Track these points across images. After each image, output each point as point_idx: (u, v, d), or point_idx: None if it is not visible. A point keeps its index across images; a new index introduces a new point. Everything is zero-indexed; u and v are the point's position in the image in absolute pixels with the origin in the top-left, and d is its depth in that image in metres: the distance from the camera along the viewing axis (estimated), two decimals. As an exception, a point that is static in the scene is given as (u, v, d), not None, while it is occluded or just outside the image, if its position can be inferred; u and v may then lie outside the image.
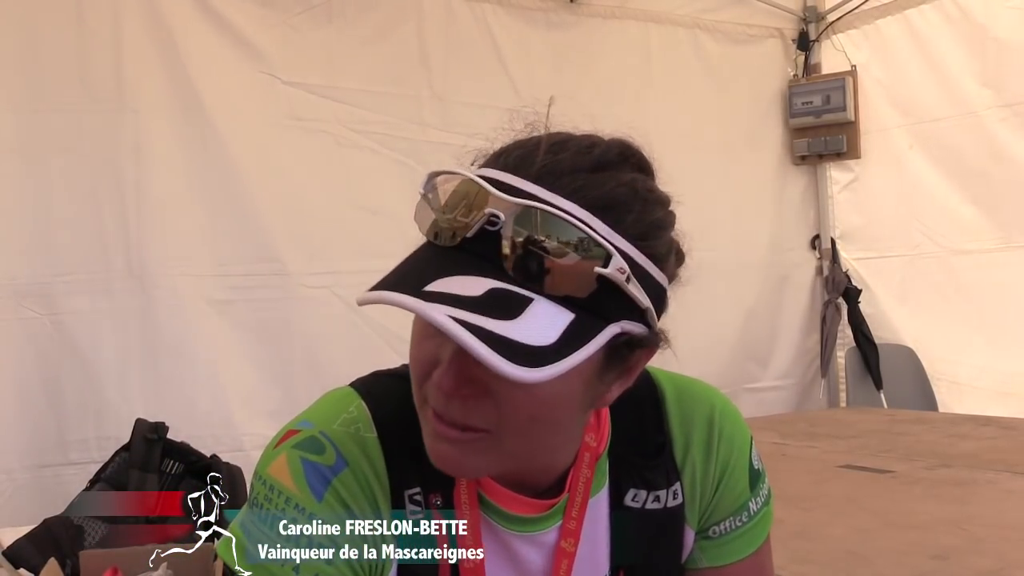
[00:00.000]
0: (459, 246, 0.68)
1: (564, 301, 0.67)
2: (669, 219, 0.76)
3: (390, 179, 3.11)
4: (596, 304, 0.68)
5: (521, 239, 0.66)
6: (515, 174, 0.70)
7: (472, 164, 0.76)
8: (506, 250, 0.66)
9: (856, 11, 3.94)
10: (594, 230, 0.67)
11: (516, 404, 0.69)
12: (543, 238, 0.66)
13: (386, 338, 2.96)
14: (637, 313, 0.70)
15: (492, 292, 0.65)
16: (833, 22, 4.06)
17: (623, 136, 0.77)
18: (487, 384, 0.68)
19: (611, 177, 0.71)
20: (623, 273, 0.68)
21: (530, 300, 0.66)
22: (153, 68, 2.81)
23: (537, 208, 0.66)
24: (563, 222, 0.67)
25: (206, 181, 2.88)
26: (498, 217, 0.67)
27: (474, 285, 0.65)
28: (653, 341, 0.73)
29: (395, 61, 3.21)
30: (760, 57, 4.06)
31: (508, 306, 0.65)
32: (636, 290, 0.69)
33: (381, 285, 0.67)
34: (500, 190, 0.68)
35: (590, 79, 3.53)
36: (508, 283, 0.66)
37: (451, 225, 0.69)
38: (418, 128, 3.21)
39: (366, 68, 3.15)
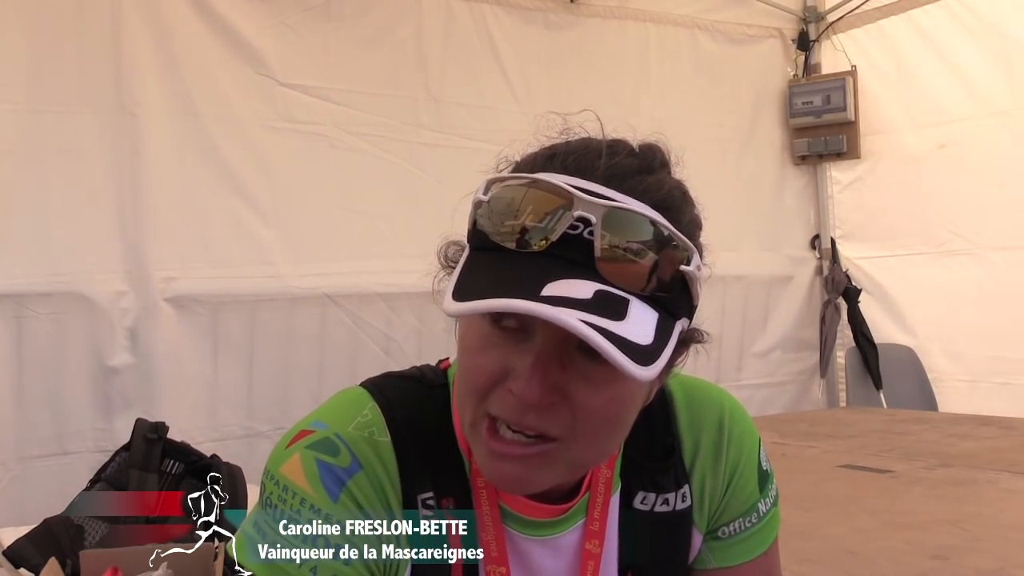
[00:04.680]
0: (546, 251, 0.67)
1: (650, 300, 0.68)
2: (701, 219, 0.78)
3: (385, 181, 3.12)
4: (671, 301, 0.69)
5: (612, 241, 0.66)
6: (582, 177, 0.69)
7: (500, 170, 0.76)
8: (598, 252, 0.66)
9: (857, 11, 3.94)
10: (674, 230, 0.69)
11: (594, 407, 0.69)
12: (631, 239, 0.67)
13: (376, 339, 2.97)
14: (691, 310, 0.72)
15: (598, 293, 0.65)
16: (833, 22, 4.06)
17: (653, 138, 0.78)
18: (565, 390, 0.68)
19: (664, 179, 0.73)
20: (699, 270, 0.70)
21: (627, 300, 0.66)
22: (152, 69, 2.81)
23: (623, 209, 0.67)
24: (647, 222, 0.67)
25: (203, 182, 2.88)
26: (588, 220, 0.66)
27: (581, 288, 0.64)
28: (697, 339, 0.75)
29: (392, 62, 3.21)
30: (760, 57, 4.07)
31: (615, 307, 0.65)
32: (697, 287, 0.71)
33: (479, 292, 0.64)
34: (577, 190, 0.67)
35: (589, 80, 3.53)
36: (604, 284, 0.66)
37: (539, 230, 0.67)
38: (413, 130, 3.21)
39: (363, 69, 3.15)
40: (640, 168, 0.72)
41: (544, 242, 0.67)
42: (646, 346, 0.64)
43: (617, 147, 0.73)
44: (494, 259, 0.68)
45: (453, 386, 0.81)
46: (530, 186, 0.68)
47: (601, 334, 0.61)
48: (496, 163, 0.78)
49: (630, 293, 0.66)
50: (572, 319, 0.60)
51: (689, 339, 0.74)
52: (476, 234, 0.71)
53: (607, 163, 0.70)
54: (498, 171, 0.77)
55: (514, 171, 0.75)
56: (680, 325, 0.70)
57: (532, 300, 0.61)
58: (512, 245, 0.68)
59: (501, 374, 0.68)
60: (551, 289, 0.63)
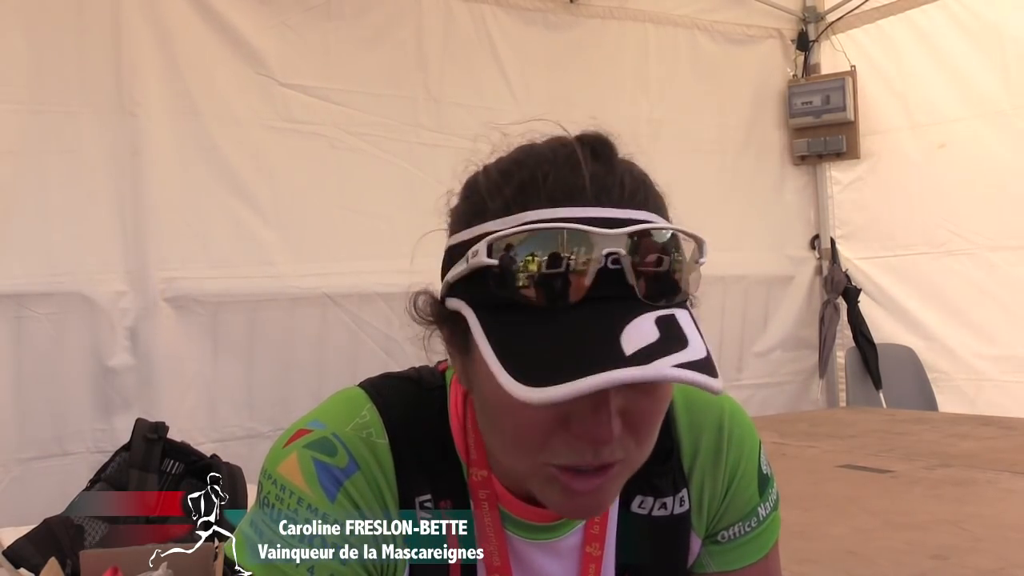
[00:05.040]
0: (584, 298, 0.65)
1: (683, 304, 0.68)
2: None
3: (385, 181, 3.12)
4: (694, 291, 0.70)
5: (640, 265, 0.66)
6: (574, 204, 0.67)
7: (451, 206, 0.74)
8: (632, 281, 0.65)
9: (856, 11, 3.94)
10: (679, 229, 0.69)
11: (650, 415, 0.69)
12: (655, 255, 0.66)
13: (376, 339, 2.97)
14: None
15: (659, 325, 0.64)
16: (833, 22, 4.06)
17: (594, 128, 0.75)
18: (625, 411, 0.67)
19: (631, 169, 0.72)
20: (706, 251, 0.70)
21: (673, 316, 0.65)
22: (152, 69, 2.81)
23: (636, 232, 0.66)
24: (660, 233, 0.67)
25: (203, 183, 2.88)
26: (615, 254, 0.65)
27: (645, 328, 0.63)
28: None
29: (392, 62, 3.22)
30: (759, 57, 4.07)
31: (675, 332, 0.64)
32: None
33: (553, 368, 0.61)
34: (584, 224, 0.65)
35: (589, 80, 3.53)
36: (652, 310, 0.65)
37: (572, 281, 0.65)
38: (412, 130, 3.22)
39: (363, 69, 3.16)
40: (619, 171, 0.70)
41: (580, 293, 0.65)
42: (707, 358, 0.63)
43: (582, 152, 0.70)
44: (529, 322, 0.65)
45: (451, 388, 0.81)
46: (540, 237, 0.66)
47: (690, 369, 0.60)
48: (447, 198, 0.75)
49: (671, 307, 0.66)
50: (670, 371, 0.60)
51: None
52: (482, 297, 0.68)
53: (588, 177, 0.68)
54: (450, 206, 0.75)
55: (476, 211, 0.71)
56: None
57: (625, 365, 0.60)
58: (546, 304, 0.65)
59: (559, 422, 0.66)
60: (628, 343, 0.61)
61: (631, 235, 0.65)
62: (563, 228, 0.65)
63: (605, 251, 0.64)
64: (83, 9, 2.72)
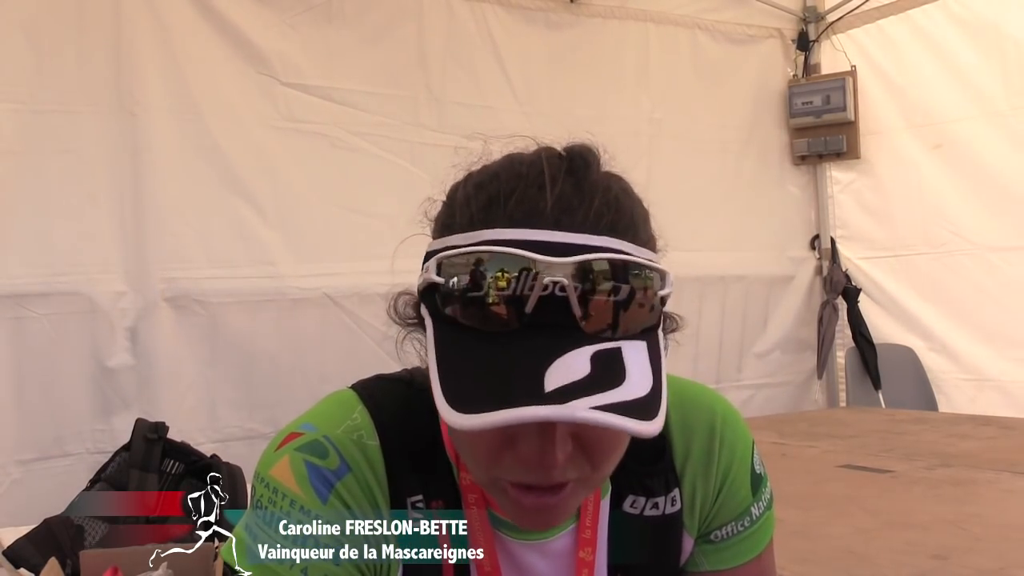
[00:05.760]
0: (524, 323, 0.65)
1: (638, 335, 0.67)
2: (645, 206, 0.76)
3: (385, 181, 3.11)
4: (655, 323, 0.70)
5: (586, 294, 0.65)
6: (531, 226, 0.66)
7: (429, 216, 0.74)
8: (577, 311, 0.64)
9: (857, 11, 3.94)
10: (642, 258, 0.68)
11: (604, 444, 0.69)
12: (605, 286, 0.65)
13: (377, 339, 2.96)
14: (661, 316, 0.72)
15: (593, 360, 0.63)
16: (833, 22, 4.06)
17: (584, 140, 0.74)
18: (577, 436, 0.67)
19: (606, 191, 0.70)
20: (671, 286, 0.69)
21: (618, 350, 0.65)
22: (152, 69, 2.81)
23: (589, 260, 0.65)
24: (616, 264, 0.66)
25: (203, 182, 2.87)
26: (560, 283, 0.64)
27: (576, 363, 0.63)
28: (674, 328, 0.76)
29: (394, 61, 3.21)
30: (760, 57, 4.06)
31: (611, 367, 0.64)
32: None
33: (480, 400, 0.61)
34: (536, 251, 0.64)
35: (590, 79, 3.53)
36: (592, 343, 0.64)
37: (511, 307, 0.65)
38: (414, 130, 3.21)
39: (364, 69, 3.15)
40: (589, 190, 0.69)
41: (518, 320, 0.65)
42: (647, 396, 0.63)
43: (551, 170, 0.69)
44: (471, 343, 0.66)
45: None
46: (487, 260, 0.65)
47: (610, 411, 0.60)
48: (424, 208, 0.76)
49: (619, 338, 0.66)
50: (582, 412, 0.59)
51: (668, 332, 0.74)
52: (437, 311, 0.68)
53: (551, 199, 0.67)
54: (428, 217, 0.76)
55: (447, 222, 0.72)
56: (662, 334, 0.70)
57: (540, 403, 0.60)
58: (485, 327, 0.65)
59: (505, 441, 0.67)
60: (552, 379, 0.61)
61: (579, 264, 0.64)
62: (507, 252, 0.64)
63: (548, 280, 0.64)
64: (84, 8, 2.72)
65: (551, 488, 0.68)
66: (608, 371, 0.63)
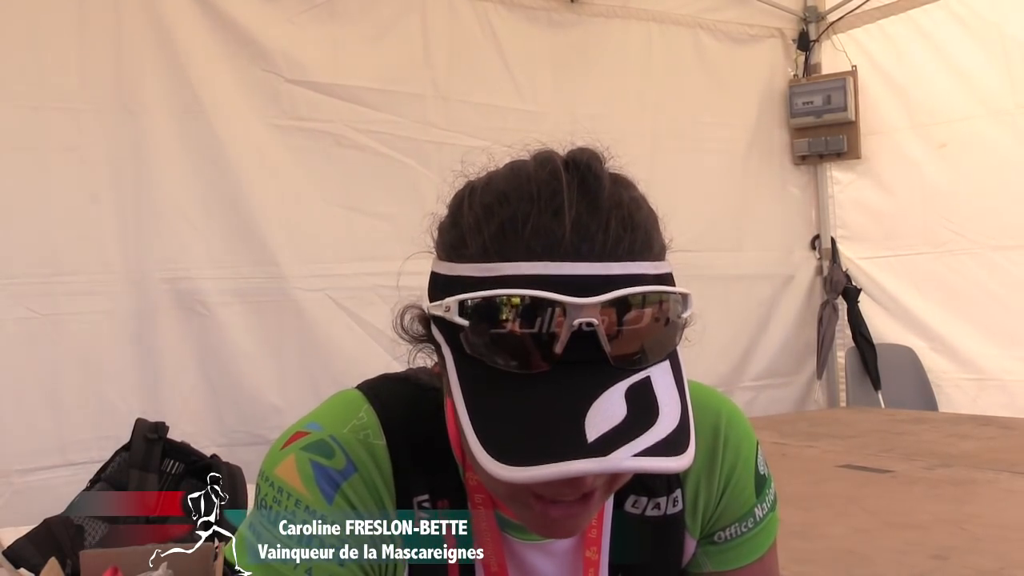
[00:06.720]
0: (556, 362, 0.65)
1: (665, 357, 0.69)
2: (653, 208, 0.75)
3: (391, 180, 3.11)
4: (676, 343, 0.70)
5: (614, 327, 0.65)
6: (552, 258, 0.65)
7: (435, 237, 0.73)
8: (607, 347, 0.65)
9: (857, 11, 3.94)
10: (662, 281, 0.68)
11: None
12: (631, 317, 0.65)
13: (380, 340, 2.95)
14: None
15: (628, 397, 0.64)
16: (834, 22, 4.06)
17: (584, 144, 0.73)
18: None
19: (619, 207, 0.69)
20: (691, 307, 0.70)
21: (647, 380, 0.66)
22: (154, 67, 2.81)
23: (615, 297, 0.64)
24: (640, 295, 0.66)
25: (206, 181, 2.87)
26: (591, 324, 0.64)
27: (614, 405, 0.63)
28: (688, 324, 0.75)
29: (398, 59, 3.20)
30: (761, 57, 4.06)
31: (645, 403, 0.64)
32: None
33: (518, 449, 0.61)
34: (560, 286, 0.64)
35: (591, 78, 3.53)
36: (623, 377, 0.65)
37: (542, 349, 0.64)
38: (421, 127, 3.20)
39: (369, 66, 3.14)
40: (595, 207, 0.68)
41: (548, 360, 0.64)
42: (678, 427, 0.64)
43: (563, 190, 0.67)
44: (499, 384, 0.65)
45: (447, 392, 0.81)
46: (515, 304, 0.64)
47: (648, 455, 0.61)
48: (429, 226, 0.75)
49: (648, 366, 0.66)
50: (626, 462, 0.60)
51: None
52: (459, 347, 0.67)
53: (568, 225, 0.66)
54: (434, 237, 0.74)
55: (456, 245, 0.70)
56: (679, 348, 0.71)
57: (584, 455, 0.60)
58: (517, 369, 0.65)
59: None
60: (592, 426, 0.61)
61: (604, 304, 0.64)
62: (536, 296, 0.64)
63: (578, 321, 0.64)
64: (84, 6, 2.71)
65: (578, 498, 0.68)
66: (642, 410, 0.64)
